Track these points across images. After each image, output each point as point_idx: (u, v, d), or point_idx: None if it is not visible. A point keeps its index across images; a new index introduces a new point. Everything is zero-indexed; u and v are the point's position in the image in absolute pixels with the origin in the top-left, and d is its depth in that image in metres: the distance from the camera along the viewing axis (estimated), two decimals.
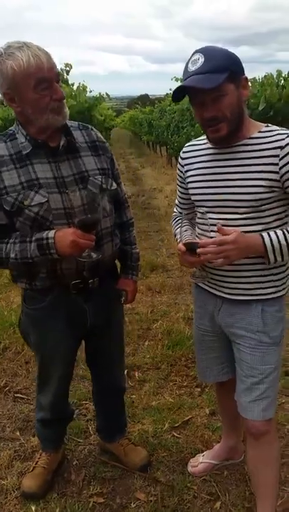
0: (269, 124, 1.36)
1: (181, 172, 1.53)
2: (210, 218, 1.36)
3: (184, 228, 1.52)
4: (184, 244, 1.34)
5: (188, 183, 1.48)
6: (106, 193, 1.50)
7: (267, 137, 1.31)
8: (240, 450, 1.91)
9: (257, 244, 1.29)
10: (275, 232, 1.30)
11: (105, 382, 1.85)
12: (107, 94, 7.17)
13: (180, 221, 1.58)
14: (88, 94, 7.01)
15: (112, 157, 1.60)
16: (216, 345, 1.57)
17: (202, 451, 1.97)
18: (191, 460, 1.93)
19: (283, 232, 1.30)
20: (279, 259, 1.31)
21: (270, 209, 1.33)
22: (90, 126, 1.58)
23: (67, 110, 1.40)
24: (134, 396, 2.43)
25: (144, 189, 9.23)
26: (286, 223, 1.37)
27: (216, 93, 1.24)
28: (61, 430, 1.91)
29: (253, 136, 1.33)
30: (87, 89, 6.93)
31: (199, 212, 1.35)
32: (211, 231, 1.34)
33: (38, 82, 1.29)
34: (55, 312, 1.53)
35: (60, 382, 1.69)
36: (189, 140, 1.74)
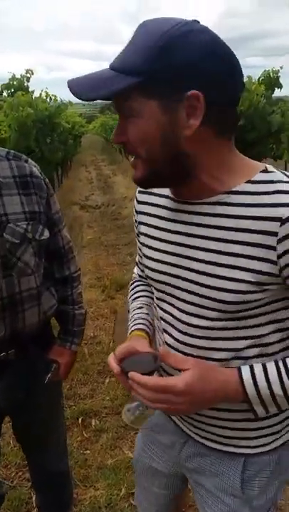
0: (269, 167, 0.77)
1: (136, 221, 0.98)
2: (161, 309, 0.88)
3: (137, 303, 1.03)
4: (120, 362, 0.82)
5: (142, 244, 0.93)
6: (32, 245, 1.15)
7: (260, 194, 0.73)
8: None
9: (231, 388, 0.75)
10: (264, 367, 0.76)
11: (35, 466, 1.51)
12: (70, 101, 6.85)
13: (136, 289, 1.09)
14: (58, 100, 6.66)
15: (50, 198, 1.23)
16: (166, 481, 1.04)
17: None
18: None
19: (279, 366, 0.76)
20: (272, 410, 0.78)
21: (260, 315, 0.77)
22: (23, 157, 1.20)
23: None
24: (87, 452, 2.10)
25: (115, 198, 8.93)
26: None
27: (120, 110, 0.74)
28: None
29: (238, 189, 0.75)
30: (51, 96, 6.60)
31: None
32: (163, 331, 0.88)
33: None
34: None
35: None
36: None
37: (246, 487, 0.88)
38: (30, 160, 1.21)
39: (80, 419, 2.33)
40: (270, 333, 0.79)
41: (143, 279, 1.09)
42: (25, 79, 6.25)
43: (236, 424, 0.84)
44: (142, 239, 0.93)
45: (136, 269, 1.14)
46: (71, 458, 2.03)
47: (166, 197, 0.86)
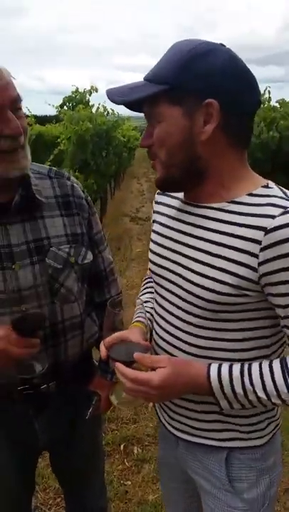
0: (270, 183, 0.85)
1: (152, 221, 1.07)
2: (156, 301, 0.97)
3: (143, 297, 1.11)
4: (109, 348, 0.89)
5: (151, 240, 1.03)
6: (74, 269, 1.08)
7: (255, 206, 0.80)
8: None
9: (199, 382, 0.83)
10: (230, 366, 0.83)
11: (72, 501, 1.42)
12: (129, 116, 6.92)
13: (146, 286, 1.17)
14: (114, 114, 6.77)
15: (92, 218, 1.17)
16: (183, 476, 1.08)
17: None
18: None
19: (244, 368, 0.83)
20: (236, 406, 0.85)
21: (239, 321, 0.84)
22: (66, 175, 1.15)
23: (27, 155, 0.99)
24: (128, 483, 2.01)
25: None
26: (275, 354, 0.89)
27: (147, 115, 0.85)
28: None
29: (237, 200, 0.83)
30: (109, 110, 6.71)
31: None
32: (155, 323, 0.98)
33: None
34: None
35: None
36: None
37: (234, 481, 0.94)
38: (72, 177, 1.16)
39: (122, 446, 2.24)
40: (243, 340, 0.85)
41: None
42: (87, 93, 6.38)
43: (207, 416, 0.92)
44: (152, 235, 1.02)
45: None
46: (111, 489, 1.95)
47: (178, 199, 0.96)
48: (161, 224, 0.99)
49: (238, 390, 0.82)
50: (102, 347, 0.90)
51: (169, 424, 1.00)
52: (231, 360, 0.85)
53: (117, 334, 0.90)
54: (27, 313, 0.93)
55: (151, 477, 2.03)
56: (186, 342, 0.89)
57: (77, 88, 6.39)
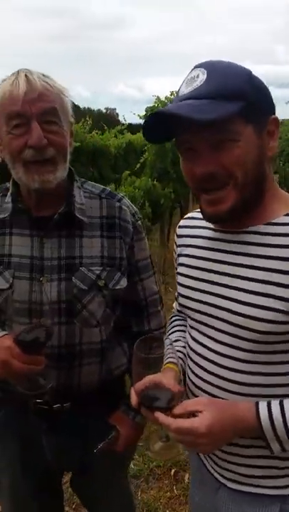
0: None
1: (176, 254, 1.02)
2: (192, 339, 0.90)
3: (173, 336, 1.04)
4: (140, 393, 0.80)
5: (178, 274, 0.97)
6: (102, 293, 1.04)
7: None
8: None
9: (248, 424, 0.76)
10: (281, 403, 0.76)
11: None
12: None
13: (174, 324, 1.09)
14: None
15: (136, 243, 1.11)
16: None
17: None
18: None
19: None
20: (288, 448, 0.77)
21: None
22: (118, 196, 1.11)
23: (56, 170, 0.97)
24: None
25: None
26: None
27: (219, 135, 0.74)
28: None
29: (276, 221, 0.80)
30: None
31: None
32: (191, 361, 0.90)
33: (9, 117, 0.93)
34: (7, 431, 1.12)
35: None
36: None
37: None
38: (124, 200, 1.12)
39: (172, 471, 2.14)
40: None
41: (181, 314, 1.08)
42: (168, 102, 6.39)
43: (258, 461, 0.83)
44: (180, 269, 0.95)
45: (175, 304, 1.13)
46: None
47: (206, 228, 0.91)
48: (189, 256, 0.93)
49: None
50: (132, 394, 0.82)
51: (213, 469, 0.92)
52: (282, 397, 0.78)
53: (149, 378, 0.81)
54: (32, 327, 0.91)
55: None
56: (230, 380, 0.82)
57: (158, 97, 6.40)
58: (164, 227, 5.85)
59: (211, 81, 0.74)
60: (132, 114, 7.76)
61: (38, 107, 0.93)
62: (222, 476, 0.90)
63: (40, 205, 1.03)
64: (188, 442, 0.77)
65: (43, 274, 1.02)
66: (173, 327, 1.10)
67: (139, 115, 6.67)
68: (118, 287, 1.06)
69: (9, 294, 1.00)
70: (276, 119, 0.78)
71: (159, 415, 0.77)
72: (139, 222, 1.14)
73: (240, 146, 0.75)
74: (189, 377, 0.91)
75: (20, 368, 0.90)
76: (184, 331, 1.03)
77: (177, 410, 0.77)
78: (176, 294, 1.05)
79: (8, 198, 1.05)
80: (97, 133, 7.91)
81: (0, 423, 1.12)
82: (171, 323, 1.12)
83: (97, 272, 1.04)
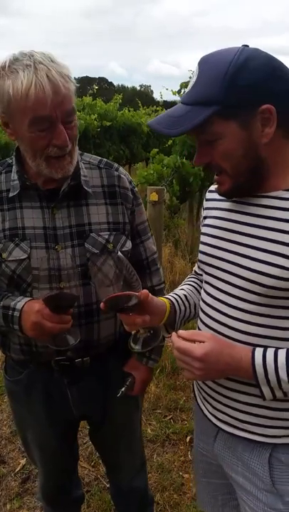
0: None
1: (202, 217, 1.10)
2: (206, 293, 0.99)
3: (180, 286, 1.17)
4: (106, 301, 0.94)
5: (201, 234, 1.06)
6: (111, 256, 1.13)
7: None
8: None
9: (242, 365, 0.85)
10: (276, 351, 0.84)
11: (110, 479, 1.48)
12: None
13: (186, 281, 1.21)
14: None
15: (136, 208, 1.22)
16: (221, 471, 1.08)
17: None
18: None
19: None
20: (279, 395, 0.85)
21: None
22: (114, 166, 1.22)
23: (73, 160, 1.07)
24: (186, 476, 2.00)
25: None
26: None
27: (202, 135, 0.86)
28: None
29: None
30: None
31: None
32: (202, 312, 1.00)
33: (35, 121, 0.98)
34: (32, 391, 1.22)
35: (46, 473, 1.37)
36: None
37: (277, 482, 0.92)
38: (120, 168, 1.22)
39: (188, 438, 2.24)
40: None
41: (199, 275, 1.16)
42: None
43: (253, 409, 0.91)
44: (204, 229, 1.04)
45: (195, 267, 1.22)
46: (168, 478, 1.97)
47: None
48: (213, 217, 1.02)
49: (283, 376, 0.82)
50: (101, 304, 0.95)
51: (211, 414, 1.01)
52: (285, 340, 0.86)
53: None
54: (60, 293, 1.00)
55: None
56: (236, 329, 0.90)
57: (193, 72, 6.27)
58: (193, 207, 5.82)
59: (196, 85, 0.83)
60: (167, 92, 7.66)
61: (62, 110, 0.98)
62: (218, 419, 0.99)
63: (48, 180, 1.10)
64: (185, 362, 0.86)
65: (58, 242, 1.10)
66: (185, 282, 1.21)
67: (172, 90, 6.59)
68: (124, 249, 1.16)
69: (28, 263, 1.09)
70: (267, 108, 0.80)
71: (173, 336, 0.89)
72: (135, 188, 1.24)
73: (223, 143, 0.84)
74: (199, 326, 1.01)
75: (51, 327, 1.00)
76: (190, 285, 1.17)
77: (184, 334, 0.88)
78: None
79: (14, 176, 1.12)
80: (129, 110, 7.86)
81: (24, 383, 1.22)
82: (187, 279, 1.23)
83: (106, 237, 1.13)
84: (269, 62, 0.81)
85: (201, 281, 1.17)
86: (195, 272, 1.22)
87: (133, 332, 0.99)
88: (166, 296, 1.10)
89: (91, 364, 1.18)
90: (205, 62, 0.83)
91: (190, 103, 0.83)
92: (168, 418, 2.41)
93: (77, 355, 1.16)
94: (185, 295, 1.12)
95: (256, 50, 0.83)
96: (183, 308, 1.10)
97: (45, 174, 1.05)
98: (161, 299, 1.05)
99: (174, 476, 2.00)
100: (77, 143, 1.08)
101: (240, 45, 0.84)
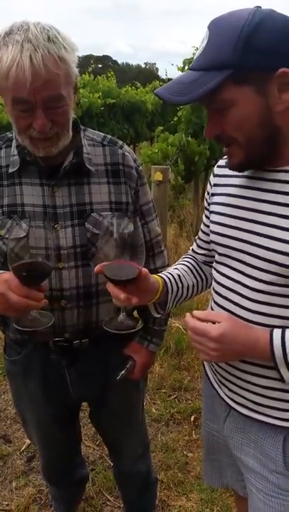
0: None
1: (208, 194, 1.05)
2: (219, 273, 0.96)
3: (174, 266, 1.13)
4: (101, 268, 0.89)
5: (211, 212, 1.00)
6: (113, 237, 1.09)
7: None
8: None
9: (260, 347, 0.82)
10: None
11: (113, 462, 1.48)
12: None
13: (181, 260, 1.17)
14: None
15: (140, 188, 1.17)
16: (230, 452, 1.07)
17: None
18: None
19: None
20: None
21: None
22: (119, 143, 1.16)
23: (59, 142, 1.01)
24: (190, 455, 2.00)
25: None
26: None
27: (213, 104, 0.80)
28: (70, 493, 1.58)
29: None
30: None
31: None
32: (216, 294, 0.96)
33: (15, 101, 0.93)
34: (30, 371, 1.20)
35: (46, 455, 1.36)
36: None
37: (288, 463, 0.91)
38: (125, 146, 1.16)
39: (192, 417, 2.24)
40: None
41: (197, 255, 1.16)
42: None
43: (271, 392, 0.89)
44: (213, 207, 0.99)
45: (194, 244, 1.18)
46: (172, 457, 1.98)
47: None
48: (224, 194, 0.96)
49: None
50: (97, 267, 0.88)
51: (228, 397, 0.99)
52: None
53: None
54: (33, 261, 0.91)
55: None
56: (251, 310, 0.87)
57: (197, 48, 6.10)
58: (199, 186, 5.73)
59: (207, 49, 0.77)
60: (173, 69, 7.46)
61: (43, 96, 0.92)
62: (233, 400, 0.97)
63: (48, 156, 1.05)
64: (200, 343, 0.83)
65: (57, 221, 1.06)
66: (180, 262, 1.17)
67: (177, 66, 6.43)
68: (126, 231, 1.09)
69: (26, 242, 1.03)
70: (284, 72, 0.74)
71: (186, 317, 0.86)
72: (140, 167, 1.18)
73: (237, 111, 0.78)
74: (212, 309, 0.98)
75: (16, 302, 0.89)
76: (185, 265, 1.13)
77: (199, 315, 0.85)
78: (198, 235, 1.15)
79: (14, 150, 1.07)
80: (132, 88, 7.70)
81: (22, 363, 1.20)
82: (182, 259, 1.18)
83: (108, 217, 1.06)
84: (287, 23, 0.75)
85: (197, 261, 1.15)
86: (193, 250, 1.18)
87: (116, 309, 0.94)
88: (160, 274, 1.07)
89: (90, 346, 1.15)
90: (215, 25, 0.77)
91: (201, 68, 0.78)
92: (172, 398, 2.41)
93: (75, 337, 1.13)
94: (179, 275, 1.09)
95: (272, 10, 0.77)
96: (175, 288, 1.06)
97: (32, 151, 1.01)
98: (154, 276, 1.02)
99: (178, 455, 2.01)
100: (69, 127, 1.02)
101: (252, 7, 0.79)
